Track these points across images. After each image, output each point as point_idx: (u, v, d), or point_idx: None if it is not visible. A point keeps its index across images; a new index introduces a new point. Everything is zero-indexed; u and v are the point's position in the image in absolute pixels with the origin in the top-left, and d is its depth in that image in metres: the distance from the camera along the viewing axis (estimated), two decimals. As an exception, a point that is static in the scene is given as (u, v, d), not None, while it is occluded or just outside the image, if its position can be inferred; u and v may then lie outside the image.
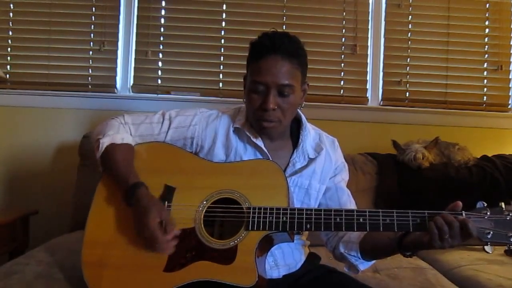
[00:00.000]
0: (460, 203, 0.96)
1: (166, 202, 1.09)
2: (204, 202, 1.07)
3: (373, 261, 1.20)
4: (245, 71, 1.18)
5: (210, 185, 1.09)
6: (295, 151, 1.20)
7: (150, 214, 1.01)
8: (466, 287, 1.50)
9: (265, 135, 1.18)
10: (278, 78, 1.07)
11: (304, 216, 1.01)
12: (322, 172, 1.22)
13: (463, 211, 0.95)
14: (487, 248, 0.95)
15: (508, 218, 0.93)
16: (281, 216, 1.02)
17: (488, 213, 0.94)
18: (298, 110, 1.24)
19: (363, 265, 1.19)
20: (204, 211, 1.07)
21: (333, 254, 1.24)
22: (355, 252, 1.16)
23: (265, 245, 1.06)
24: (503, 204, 0.96)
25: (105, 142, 1.14)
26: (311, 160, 1.21)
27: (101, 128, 1.19)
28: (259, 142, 1.17)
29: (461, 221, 0.92)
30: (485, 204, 0.96)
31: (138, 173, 1.12)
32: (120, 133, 1.18)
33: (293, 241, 1.09)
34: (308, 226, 1.01)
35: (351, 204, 1.25)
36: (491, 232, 0.93)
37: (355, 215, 1.00)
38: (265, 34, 1.11)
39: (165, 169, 1.13)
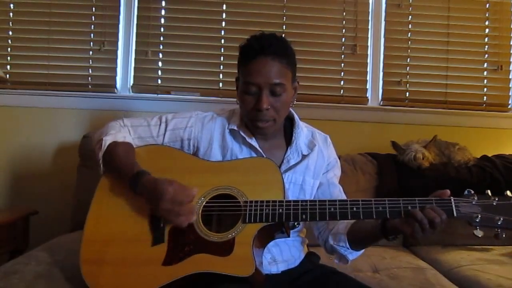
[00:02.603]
0: (448, 191, 1.02)
1: None
2: (202, 198, 1.10)
3: (362, 251, 1.22)
4: None
5: (207, 183, 1.11)
6: (288, 148, 1.23)
7: (163, 187, 1.02)
8: (466, 287, 1.50)
9: (260, 135, 1.21)
10: (269, 78, 1.10)
11: (300, 207, 1.04)
12: (315, 167, 1.25)
13: (452, 197, 1.00)
14: (476, 232, 0.98)
15: (494, 203, 0.98)
16: (277, 208, 1.04)
17: (476, 199, 1.00)
18: (291, 109, 1.28)
19: (352, 255, 1.21)
20: (202, 206, 1.09)
21: (324, 248, 1.27)
22: (344, 243, 1.19)
23: (262, 238, 1.07)
24: (489, 192, 1.00)
25: (107, 140, 1.16)
26: (304, 157, 1.24)
27: (102, 130, 1.22)
28: (254, 142, 1.20)
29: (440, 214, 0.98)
30: (472, 192, 1.01)
31: None
32: (122, 132, 1.21)
33: (289, 236, 1.11)
34: (304, 216, 1.04)
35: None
36: (480, 216, 0.98)
37: (348, 204, 1.03)
38: (253, 37, 1.16)
39: (162, 169, 1.14)
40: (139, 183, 1.07)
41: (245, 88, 1.13)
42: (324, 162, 1.27)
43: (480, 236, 0.97)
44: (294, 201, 1.06)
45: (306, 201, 1.06)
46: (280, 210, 1.04)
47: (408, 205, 1.02)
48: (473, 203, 0.99)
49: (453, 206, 0.99)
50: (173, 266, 1.02)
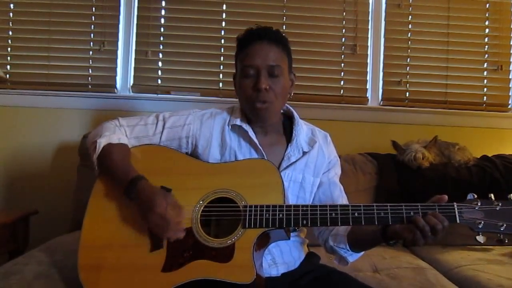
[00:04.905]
0: (445, 197, 1.02)
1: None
2: (201, 202, 1.08)
3: (362, 253, 1.23)
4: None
5: (205, 186, 1.10)
6: (289, 145, 1.22)
7: (157, 199, 1.02)
8: (466, 287, 1.50)
9: (259, 122, 1.20)
10: (267, 60, 1.14)
11: (300, 212, 1.03)
12: (316, 165, 1.24)
13: (455, 203, 1.00)
14: (478, 238, 0.98)
15: (497, 209, 0.98)
16: (277, 213, 1.03)
17: (479, 204, 0.99)
18: (290, 107, 1.28)
19: (352, 257, 1.22)
20: (200, 211, 1.07)
21: (324, 247, 1.26)
22: (344, 245, 1.19)
23: (262, 243, 1.07)
24: (492, 196, 1.00)
25: (102, 142, 1.14)
26: (304, 153, 1.23)
27: (97, 131, 1.21)
28: (254, 138, 1.19)
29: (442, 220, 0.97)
30: (475, 196, 1.01)
31: None
32: (116, 133, 1.18)
33: (289, 239, 1.10)
34: (305, 222, 1.03)
35: (343, 199, 1.27)
36: (482, 222, 0.97)
37: (350, 210, 1.02)
38: (249, 28, 1.20)
39: (160, 171, 1.13)
40: (134, 189, 1.06)
41: (244, 72, 1.15)
42: (325, 160, 1.26)
43: (482, 242, 0.96)
44: (294, 205, 1.04)
45: (307, 206, 1.04)
46: (281, 215, 1.02)
47: (410, 211, 1.00)
48: (476, 208, 0.98)
49: (456, 212, 0.99)
50: (173, 273, 1.02)
